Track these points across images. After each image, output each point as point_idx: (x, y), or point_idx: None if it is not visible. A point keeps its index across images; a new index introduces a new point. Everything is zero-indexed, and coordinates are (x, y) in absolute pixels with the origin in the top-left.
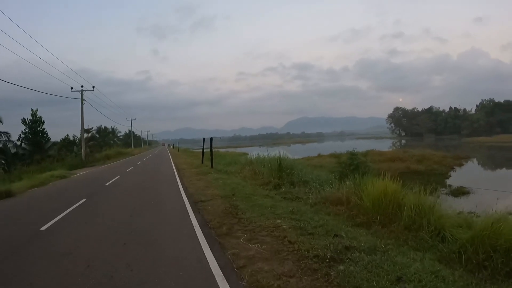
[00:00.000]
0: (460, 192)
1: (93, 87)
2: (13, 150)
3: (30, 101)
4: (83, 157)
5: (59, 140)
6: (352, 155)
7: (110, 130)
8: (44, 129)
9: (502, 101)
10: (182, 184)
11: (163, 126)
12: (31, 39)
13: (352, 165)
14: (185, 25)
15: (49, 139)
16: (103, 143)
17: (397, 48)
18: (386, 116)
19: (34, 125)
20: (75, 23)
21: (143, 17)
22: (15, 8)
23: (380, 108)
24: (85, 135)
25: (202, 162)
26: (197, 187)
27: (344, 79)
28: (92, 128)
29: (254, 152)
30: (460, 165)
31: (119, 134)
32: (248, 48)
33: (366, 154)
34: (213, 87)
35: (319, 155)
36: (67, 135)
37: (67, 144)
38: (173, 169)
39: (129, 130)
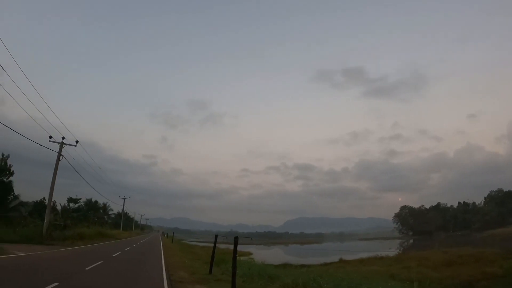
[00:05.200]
0: None
1: (77, 141)
2: None
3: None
4: (44, 230)
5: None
6: None
7: (101, 205)
8: (10, 181)
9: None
10: None
11: (159, 212)
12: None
13: None
14: (195, 118)
15: (15, 196)
16: (91, 219)
17: (395, 149)
18: (385, 216)
19: (0, 174)
20: (90, 96)
21: (157, 104)
22: (34, 69)
23: (379, 208)
24: (71, 205)
25: (211, 271)
26: None
27: (344, 180)
28: (80, 199)
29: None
30: None
31: (110, 212)
32: (253, 146)
33: (398, 258)
34: (214, 181)
35: (342, 261)
36: (43, 198)
37: (41, 208)
38: (164, 282)
39: (122, 210)
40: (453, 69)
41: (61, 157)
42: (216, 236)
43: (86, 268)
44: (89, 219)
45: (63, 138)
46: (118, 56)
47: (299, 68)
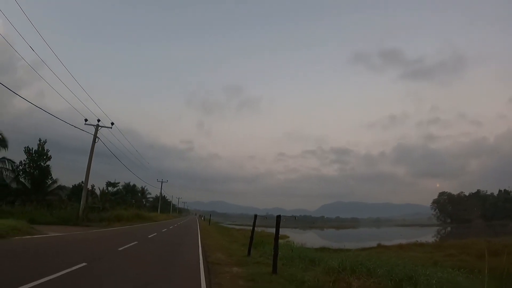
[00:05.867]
0: None
1: (112, 123)
2: (7, 181)
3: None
4: (80, 212)
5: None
6: None
7: (139, 189)
8: (48, 165)
9: None
10: None
11: (196, 196)
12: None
13: None
14: (231, 103)
15: (53, 180)
16: (129, 202)
17: (434, 134)
18: (422, 202)
19: (38, 159)
20: (129, 85)
21: (194, 91)
22: (75, 58)
23: (416, 194)
24: (110, 189)
25: (249, 253)
26: None
27: (381, 164)
28: (118, 183)
29: (290, 233)
30: None
31: (148, 196)
32: (289, 130)
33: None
34: (251, 165)
35: (380, 246)
36: (82, 182)
37: (79, 192)
38: (199, 264)
39: (160, 193)
40: (494, 51)
41: (97, 139)
42: (255, 216)
43: (119, 249)
44: (127, 202)
45: (98, 120)
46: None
47: (336, 51)
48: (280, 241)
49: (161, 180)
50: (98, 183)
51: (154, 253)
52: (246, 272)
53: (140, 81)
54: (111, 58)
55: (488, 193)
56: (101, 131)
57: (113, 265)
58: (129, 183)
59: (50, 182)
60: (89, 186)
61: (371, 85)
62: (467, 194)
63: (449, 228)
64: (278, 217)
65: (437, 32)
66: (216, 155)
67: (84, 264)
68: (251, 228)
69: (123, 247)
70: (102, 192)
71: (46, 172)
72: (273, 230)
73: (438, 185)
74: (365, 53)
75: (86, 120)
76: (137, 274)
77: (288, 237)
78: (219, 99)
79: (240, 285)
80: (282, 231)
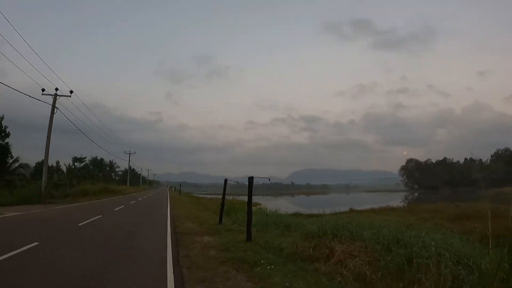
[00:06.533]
0: None
1: (71, 91)
2: None
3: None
4: (42, 189)
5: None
6: None
7: (108, 163)
8: (7, 143)
9: None
10: None
11: (167, 168)
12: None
13: None
14: (200, 72)
15: (14, 158)
16: (96, 177)
17: (402, 103)
18: (390, 169)
19: None
20: (94, 58)
21: (162, 60)
22: (36, 36)
23: (385, 161)
24: (77, 165)
25: (221, 221)
26: None
27: (350, 132)
28: (85, 158)
29: (262, 201)
30: None
31: (117, 169)
32: (259, 98)
33: (410, 210)
34: (221, 134)
35: (353, 210)
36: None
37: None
38: (167, 236)
39: (128, 165)
40: (464, 24)
41: (55, 110)
42: (225, 181)
43: (80, 224)
44: (94, 177)
45: (57, 89)
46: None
47: (307, 19)
48: (252, 208)
49: (128, 152)
50: (65, 160)
51: (118, 227)
52: (219, 241)
53: (106, 54)
54: (74, 30)
55: (455, 161)
56: (64, 104)
57: (69, 243)
58: (96, 157)
59: (11, 161)
60: (53, 163)
61: (341, 54)
62: (434, 161)
63: (416, 194)
64: (251, 178)
65: (409, 3)
66: (185, 125)
67: (35, 244)
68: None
69: (84, 222)
70: (69, 168)
71: (5, 150)
72: (245, 198)
73: (405, 153)
74: (336, 22)
75: (43, 90)
76: (95, 252)
77: (260, 204)
78: (188, 68)
79: (211, 256)
80: (253, 199)
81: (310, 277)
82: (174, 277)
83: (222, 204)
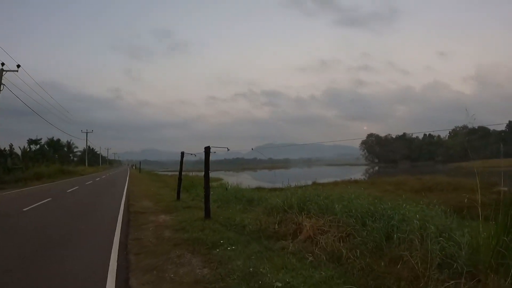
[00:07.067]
0: None
1: (18, 66)
2: None
3: None
4: None
5: None
6: None
7: (65, 144)
8: None
9: (476, 127)
10: None
11: (128, 146)
12: None
13: None
14: (160, 47)
15: None
16: (52, 158)
17: (363, 79)
18: (351, 144)
19: None
20: (48, 33)
21: (120, 35)
22: None
23: (345, 136)
24: (32, 147)
25: (179, 197)
26: None
27: (312, 107)
28: (40, 139)
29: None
30: None
31: (76, 150)
32: (220, 73)
33: (373, 183)
34: (182, 110)
35: (316, 183)
36: None
37: None
38: (118, 217)
39: (86, 145)
40: (428, 5)
41: (2, 86)
42: (182, 154)
43: (24, 209)
44: (50, 159)
45: (3, 64)
46: None
47: None
48: (213, 183)
49: (86, 131)
50: (21, 143)
51: (66, 210)
52: (175, 219)
53: (62, 30)
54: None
55: (414, 136)
56: (14, 82)
57: (9, 230)
58: (53, 138)
59: None
60: (6, 146)
61: (303, 29)
62: (394, 136)
63: (377, 168)
64: (207, 148)
65: None
66: (146, 102)
67: None
68: (186, 173)
69: (29, 207)
70: (24, 151)
71: None
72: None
73: (365, 128)
74: None
75: None
76: (34, 238)
77: (222, 179)
78: (148, 43)
79: (165, 237)
80: (215, 174)
81: (277, 258)
82: (117, 267)
83: (180, 179)
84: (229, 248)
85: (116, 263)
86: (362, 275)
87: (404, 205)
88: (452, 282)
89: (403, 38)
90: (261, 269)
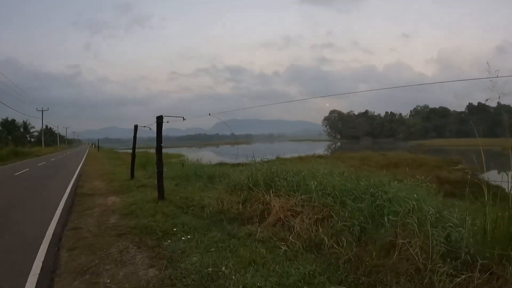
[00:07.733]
0: None
1: None
2: None
3: None
4: None
5: None
6: None
7: (21, 124)
8: None
9: (437, 107)
10: None
11: (88, 124)
12: None
13: None
14: (121, 22)
15: None
16: (5, 140)
17: (327, 57)
18: (313, 120)
19: None
20: (3, 8)
21: (80, 9)
22: None
23: (308, 112)
24: None
25: (133, 175)
26: None
27: (275, 83)
28: None
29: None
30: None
31: (32, 130)
32: (182, 48)
33: (338, 158)
34: (144, 86)
35: (280, 159)
36: None
37: None
38: (63, 195)
39: (42, 124)
40: None
41: None
42: (135, 127)
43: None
44: (2, 140)
45: None
46: None
47: None
48: (173, 160)
49: (41, 109)
50: None
51: (4, 197)
52: (126, 201)
53: (18, 4)
54: None
55: (376, 113)
56: None
57: None
58: (7, 118)
59: None
60: None
61: (268, 5)
62: (356, 113)
63: (339, 143)
64: (159, 118)
65: None
66: (106, 78)
67: None
68: (146, 150)
69: None
70: None
71: None
72: (169, 151)
73: (328, 105)
74: None
75: None
76: None
77: (183, 155)
78: (107, 18)
79: (110, 225)
80: (177, 151)
81: (243, 249)
82: (41, 271)
83: (133, 155)
84: (183, 238)
85: (40, 265)
86: (350, 268)
87: (391, 182)
88: (463, 276)
89: (369, 19)
90: (223, 268)
